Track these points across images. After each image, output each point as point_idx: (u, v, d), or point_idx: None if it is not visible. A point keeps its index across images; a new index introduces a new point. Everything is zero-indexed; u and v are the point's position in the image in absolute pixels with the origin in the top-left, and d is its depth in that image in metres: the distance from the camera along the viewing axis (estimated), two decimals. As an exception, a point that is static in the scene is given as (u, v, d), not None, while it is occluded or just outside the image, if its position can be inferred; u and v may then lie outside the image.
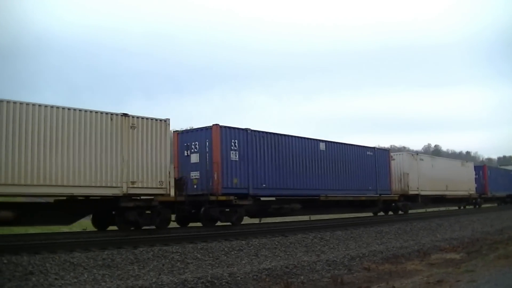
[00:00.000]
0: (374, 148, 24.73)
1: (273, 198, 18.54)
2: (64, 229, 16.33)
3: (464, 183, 33.44)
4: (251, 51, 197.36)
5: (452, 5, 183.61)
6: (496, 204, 41.98)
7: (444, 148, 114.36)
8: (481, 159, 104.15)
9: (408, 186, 26.69)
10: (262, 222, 21.23)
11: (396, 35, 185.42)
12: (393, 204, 26.21)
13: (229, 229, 15.80)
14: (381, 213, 26.78)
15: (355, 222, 21.03)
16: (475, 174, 36.37)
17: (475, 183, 35.84)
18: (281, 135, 18.98)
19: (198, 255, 11.26)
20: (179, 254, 11.09)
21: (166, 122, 15.02)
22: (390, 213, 26.83)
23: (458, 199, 33.50)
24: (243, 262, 11.19)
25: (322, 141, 20.97)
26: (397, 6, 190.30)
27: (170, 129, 16.12)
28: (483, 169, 38.91)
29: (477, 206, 36.59)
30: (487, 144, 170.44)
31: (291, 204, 18.90)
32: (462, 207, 36.06)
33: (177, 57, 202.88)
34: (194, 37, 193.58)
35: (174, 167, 16.94)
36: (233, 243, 12.95)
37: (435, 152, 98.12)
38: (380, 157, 24.69)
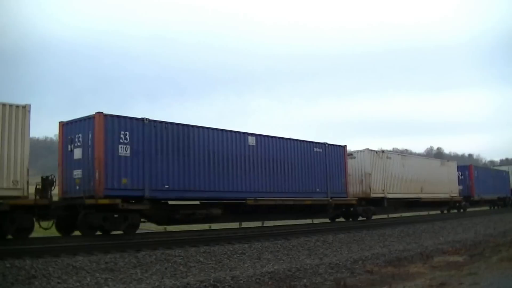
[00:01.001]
0: (324, 143, 21.24)
1: (197, 202, 16.18)
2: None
3: (444, 184, 30.19)
4: (253, 54, 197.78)
5: (454, 9, 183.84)
6: (487, 208, 38.82)
7: (446, 150, 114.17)
8: (483, 161, 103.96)
9: (370, 188, 23.26)
10: (264, 225, 21.26)
11: (398, 37, 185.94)
12: (351, 209, 22.76)
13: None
14: (342, 219, 23.63)
15: (357, 225, 20.98)
16: (460, 175, 33.43)
17: (460, 184, 32.76)
18: (192, 126, 16.02)
19: (201, 259, 11.27)
20: (181, 257, 11.10)
21: (25, 108, 12.37)
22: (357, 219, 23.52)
23: (437, 202, 30.10)
24: (246, 265, 11.19)
25: (252, 134, 17.92)
26: (400, 9, 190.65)
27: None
28: (469, 169, 35.25)
29: (461, 210, 33.09)
30: (489, 147, 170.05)
31: (208, 209, 16.13)
32: (445, 211, 32.76)
33: (180, 61, 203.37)
34: (197, 40, 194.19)
35: (58, 165, 14.88)
36: (236, 247, 12.95)
37: (438, 154, 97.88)
38: (332, 154, 21.43)
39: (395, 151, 26.45)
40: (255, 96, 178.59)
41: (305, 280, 9.70)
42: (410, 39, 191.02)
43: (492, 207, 40.03)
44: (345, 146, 22.65)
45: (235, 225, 21.69)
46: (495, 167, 50.64)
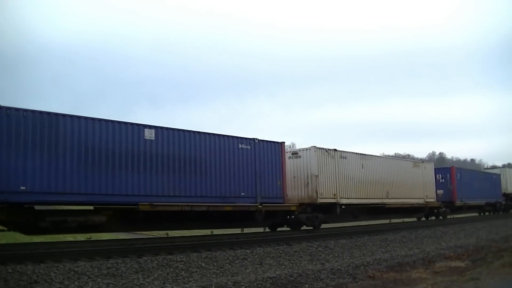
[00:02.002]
0: (254, 139, 18.01)
1: (91, 208, 13.62)
2: (69, 237, 16.43)
3: (417, 189, 26.82)
4: (255, 57, 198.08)
5: (455, 11, 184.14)
6: (476, 214, 35.65)
7: (449, 156, 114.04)
8: (485, 166, 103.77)
9: (316, 192, 19.89)
10: (266, 231, 21.20)
11: (400, 41, 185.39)
12: (292, 216, 19.33)
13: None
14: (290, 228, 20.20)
15: (359, 230, 20.97)
16: (441, 178, 30.55)
17: (440, 189, 29.90)
18: (63, 115, 13.15)
19: (203, 264, 11.27)
20: (183, 263, 11.11)
21: None
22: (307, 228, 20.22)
23: (408, 208, 26.66)
24: (248, 270, 11.19)
25: (150, 127, 14.97)
26: (402, 12, 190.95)
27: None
28: (451, 171, 31.53)
29: (440, 218, 29.67)
30: (492, 152, 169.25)
31: (86, 216, 13.40)
32: (423, 218, 29.44)
33: (182, 64, 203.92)
34: (199, 43, 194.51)
35: None
36: (238, 252, 12.96)
37: (440, 159, 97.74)
38: (264, 152, 18.24)
39: (352, 152, 22.47)
40: (258, 100, 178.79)
41: (307, 286, 9.70)
42: (411, 42, 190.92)
43: (482, 213, 36.95)
44: (282, 143, 19.22)
45: (237, 230, 21.49)
46: (485, 170, 47.13)
